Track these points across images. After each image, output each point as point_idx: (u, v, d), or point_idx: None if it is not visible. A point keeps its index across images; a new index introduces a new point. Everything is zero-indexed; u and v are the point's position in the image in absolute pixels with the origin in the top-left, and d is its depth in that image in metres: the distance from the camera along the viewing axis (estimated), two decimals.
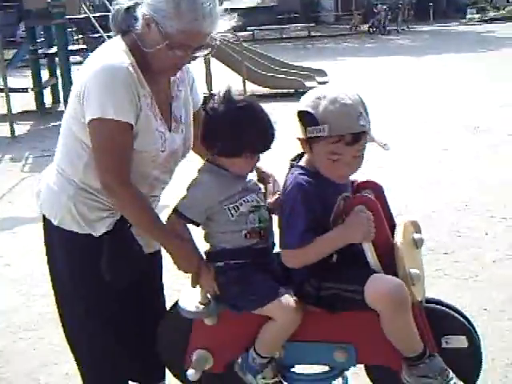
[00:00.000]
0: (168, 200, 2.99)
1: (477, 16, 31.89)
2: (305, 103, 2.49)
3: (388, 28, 28.20)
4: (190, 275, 2.74)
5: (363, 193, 2.65)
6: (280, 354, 2.75)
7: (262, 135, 2.63)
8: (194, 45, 2.59)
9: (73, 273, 2.88)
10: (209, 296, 2.76)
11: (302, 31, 30.26)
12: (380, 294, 2.43)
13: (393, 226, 2.67)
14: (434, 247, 5.38)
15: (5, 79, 11.50)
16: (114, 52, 2.65)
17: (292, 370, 2.87)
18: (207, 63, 11.34)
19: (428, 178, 7.42)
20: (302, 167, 2.60)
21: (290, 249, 2.54)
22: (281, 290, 2.61)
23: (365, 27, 29.41)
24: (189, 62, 2.73)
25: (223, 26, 2.62)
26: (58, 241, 2.89)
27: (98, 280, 2.78)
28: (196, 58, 2.68)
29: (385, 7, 28.33)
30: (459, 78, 14.28)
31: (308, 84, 13.71)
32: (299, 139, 2.55)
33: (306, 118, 2.48)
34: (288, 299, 2.60)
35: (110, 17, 2.74)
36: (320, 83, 14.18)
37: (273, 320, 2.62)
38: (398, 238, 2.58)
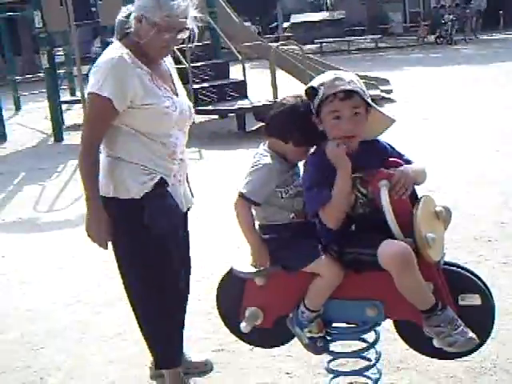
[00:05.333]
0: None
1: None
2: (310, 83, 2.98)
3: (455, 38, 28.11)
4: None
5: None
6: (321, 311, 3.13)
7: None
8: (176, 27, 3.38)
9: (131, 233, 3.49)
10: None
11: (369, 43, 30.49)
12: (389, 257, 2.81)
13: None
14: (479, 236, 5.75)
15: (82, 91, 12.20)
16: (112, 49, 3.44)
17: (332, 325, 3.22)
18: (272, 72, 11.77)
19: (480, 177, 7.73)
20: (315, 148, 3.06)
21: (320, 209, 2.93)
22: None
23: (432, 38, 29.40)
24: (175, 44, 3.51)
25: (193, 12, 3.45)
26: (115, 211, 3.47)
27: (146, 231, 3.41)
28: (179, 40, 3.48)
29: (451, 17, 28.22)
30: None
31: (371, 92, 13.99)
32: (314, 119, 2.99)
33: (310, 93, 2.96)
34: (330, 256, 3.00)
35: (115, 27, 3.54)
36: (383, 91, 14.52)
37: (319, 276, 3.01)
38: (417, 207, 2.90)
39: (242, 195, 3.06)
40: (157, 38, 3.36)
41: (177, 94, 3.58)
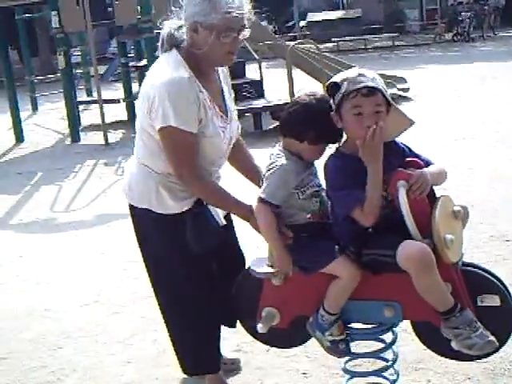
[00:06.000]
0: None
1: None
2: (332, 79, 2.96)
3: (473, 35, 27.92)
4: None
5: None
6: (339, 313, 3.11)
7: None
8: (235, 26, 3.13)
9: (165, 247, 3.39)
10: None
11: (386, 41, 30.36)
12: (408, 257, 2.77)
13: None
14: (497, 235, 5.70)
15: (99, 92, 12.26)
16: (174, 65, 3.19)
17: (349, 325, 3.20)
18: (289, 71, 11.75)
19: (499, 175, 7.65)
20: (334, 151, 3.03)
21: (356, 210, 2.86)
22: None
23: (449, 36, 29.23)
24: (238, 47, 3.23)
25: (248, 6, 3.19)
26: (148, 223, 3.39)
27: (186, 249, 3.29)
28: (241, 42, 3.22)
29: (469, 14, 28.04)
30: None
31: (389, 91, 13.87)
32: (333, 115, 2.96)
33: (332, 88, 2.92)
34: (348, 257, 2.98)
35: (161, 37, 3.28)
36: (400, 90, 14.45)
37: (337, 278, 2.99)
38: (435, 207, 2.88)
39: (261, 200, 3.04)
40: (218, 42, 3.11)
41: (227, 114, 3.38)
